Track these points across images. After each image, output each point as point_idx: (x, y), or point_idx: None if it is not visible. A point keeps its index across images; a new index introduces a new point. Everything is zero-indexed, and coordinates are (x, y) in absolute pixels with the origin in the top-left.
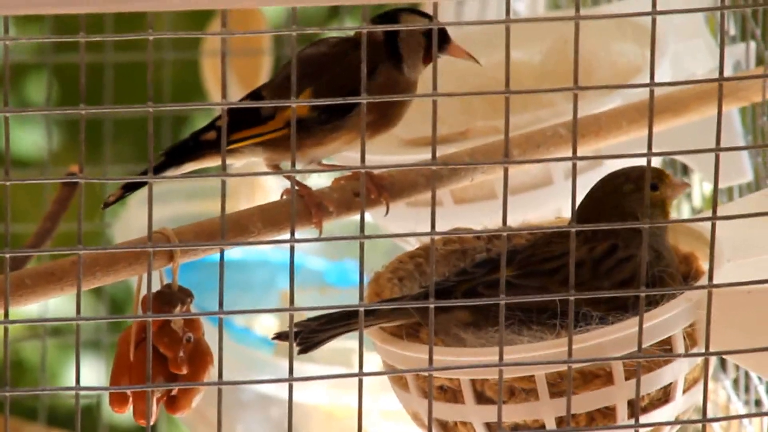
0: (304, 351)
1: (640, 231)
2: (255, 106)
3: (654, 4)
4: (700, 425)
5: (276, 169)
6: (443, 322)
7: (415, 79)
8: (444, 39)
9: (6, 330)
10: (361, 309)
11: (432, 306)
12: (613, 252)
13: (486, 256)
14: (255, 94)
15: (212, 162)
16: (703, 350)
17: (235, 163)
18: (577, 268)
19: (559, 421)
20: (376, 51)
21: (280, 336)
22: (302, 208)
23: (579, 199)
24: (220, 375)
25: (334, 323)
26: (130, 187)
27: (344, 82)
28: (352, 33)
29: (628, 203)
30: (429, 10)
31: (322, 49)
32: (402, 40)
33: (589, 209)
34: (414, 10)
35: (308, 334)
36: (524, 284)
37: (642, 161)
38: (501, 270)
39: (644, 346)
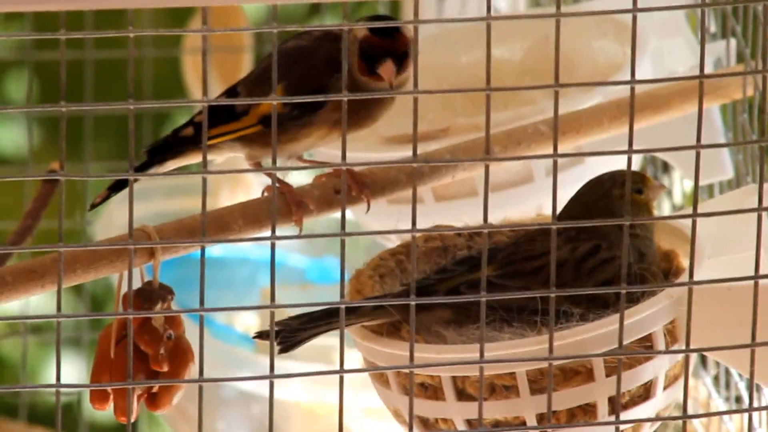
0: (285, 350)
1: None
2: (232, 103)
3: (634, 2)
4: (680, 422)
5: (257, 166)
6: (424, 321)
7: (369, 86)
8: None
9: None
10: (342, 306)
11: (413, 303)
12: (596, 252)
13: (466, 254)
14: (232, 90)
15: (193, 159)
16: (684, 347)
17: (217, 159)
18: (559, 268)
19: (540, 417)
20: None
21: (261, 335)
22: (283, 205)
23: (560, 197)
24: (201, 372)
25: (315, 322)
26: (116, 188)
27: (313, 77)
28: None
29: (617, 207)
30: (410, 7)
31: (301, 43)
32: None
33: (577, 213)
34: (377, 17)
35: (289, 333)
36: (506, 284)
37: (623, 159)
38: (482, 268)
39: (625, 343)
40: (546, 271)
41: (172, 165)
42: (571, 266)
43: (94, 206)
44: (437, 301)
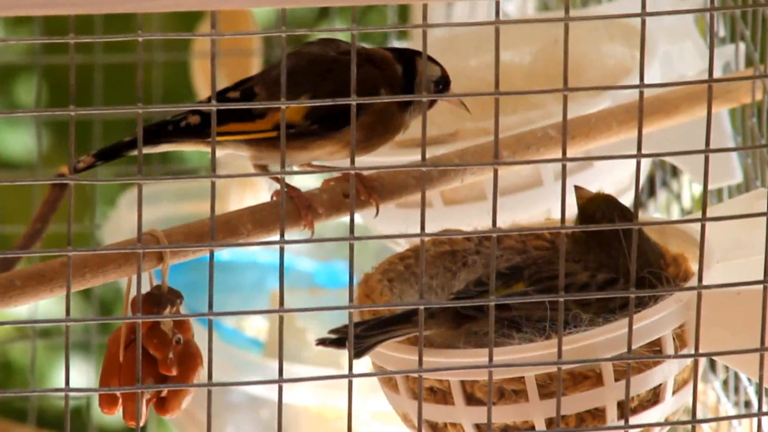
0: (358, 354)
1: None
2: (244, 104)
3: (643, 6)
4: (689, 426)
5: (262, 169)
6: (473, 328)
7: (408, 122)
8: (445, 84)
9: None
10: (350, 310)
11: (421, 308)
12: (613, 284)
13: (506, 266)
14: (247, 89)
15: (189, 146)
16: (693, 351)
17: (216, 153)
18: (583, 290)
19: (549, 422)
20: (385, 75)
21: (332, 341)
22: (292, 209)
23: (569, 201)
24: (210, 376)
25: (388, 326)
26: (103, 156)
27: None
28: (341, 34)
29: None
30: (419, 11)
31: (331, 54)
32: (417, 86)
33: (592, 238)
34: (429, 58)
35: (363, 333)
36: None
37: (632, 163)
38: (491, 274)
39: (634, 347)
40: (573, 288)
41: (165, 148)
42: (594, 290)
43: (77, 171)
44: (443, 305)
